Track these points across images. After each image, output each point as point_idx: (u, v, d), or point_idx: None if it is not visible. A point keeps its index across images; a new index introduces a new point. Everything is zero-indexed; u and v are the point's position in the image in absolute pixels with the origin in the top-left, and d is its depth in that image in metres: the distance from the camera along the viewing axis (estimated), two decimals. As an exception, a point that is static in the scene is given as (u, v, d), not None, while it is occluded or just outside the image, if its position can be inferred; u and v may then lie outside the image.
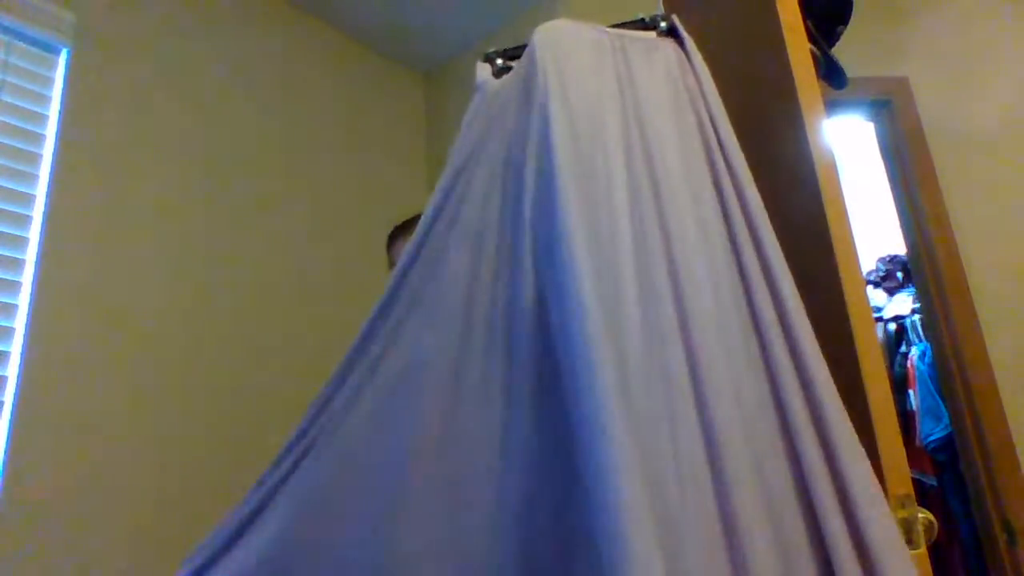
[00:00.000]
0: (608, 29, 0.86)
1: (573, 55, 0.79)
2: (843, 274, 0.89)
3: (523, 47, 0.86)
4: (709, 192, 0.77)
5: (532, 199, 0.70)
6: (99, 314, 1.54)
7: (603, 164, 0.72)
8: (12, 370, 1.40)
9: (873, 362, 0.86)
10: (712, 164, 0.78)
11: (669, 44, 0.86)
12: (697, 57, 0.85)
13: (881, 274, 2.90)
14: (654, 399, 0.61)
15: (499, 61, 0.87)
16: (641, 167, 0.74)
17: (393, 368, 0.73)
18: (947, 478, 2.35)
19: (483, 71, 0.87)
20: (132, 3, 1.79)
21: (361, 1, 2.24)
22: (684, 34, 0.86)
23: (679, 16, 1.49)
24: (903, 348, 2.66)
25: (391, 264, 1.31)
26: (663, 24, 0.87)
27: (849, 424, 0.69)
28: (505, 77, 0.85)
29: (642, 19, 0.89)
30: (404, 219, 1.31)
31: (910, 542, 0.77)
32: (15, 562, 1.31)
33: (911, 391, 2.52)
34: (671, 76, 0.82)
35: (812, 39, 1.28)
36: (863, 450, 0.67)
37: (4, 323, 1.42)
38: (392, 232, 1.32)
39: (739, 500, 0.60)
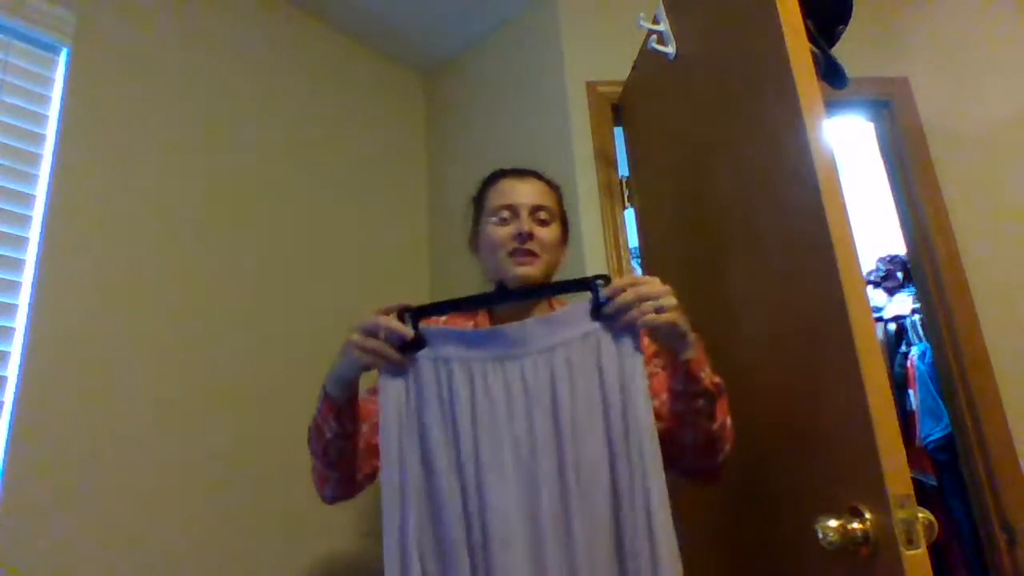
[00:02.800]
0: (532, 335, 0.96)
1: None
2: (843, 274, 0.89)
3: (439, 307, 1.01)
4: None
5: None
6: (100, 314, 1.54)
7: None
8: (12, 370, 1.40)
9: (873, 362, 0.86)
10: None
11: (599, 335, 0.94)
12: (627, 345, 0.93)
13: (881, 274, 2.90)
14: None
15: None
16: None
17: None
18: (947, 478, 2.35)
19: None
20: (132, 3, 1.78)
21: (361, 1, 2.24)
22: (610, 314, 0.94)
23: (679, 17, 1.50)
24: (903, 348, 2.66)
25: (476, 207, 1.27)
26: (603, 297, 0.94)
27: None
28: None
29: (582, 281, 0.98)
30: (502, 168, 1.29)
31: (910, 542, 0.77)
32: (15, 562, 1.31)
33: (911, 391, 2.52)
34: (597, 383, 0.93)
35: (812, 39, 1.28)
36: None
37: (4, 323, 1.42)
38: (489, 177, 1.28)
39: None
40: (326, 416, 1.03)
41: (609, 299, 0.93)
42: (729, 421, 1.05)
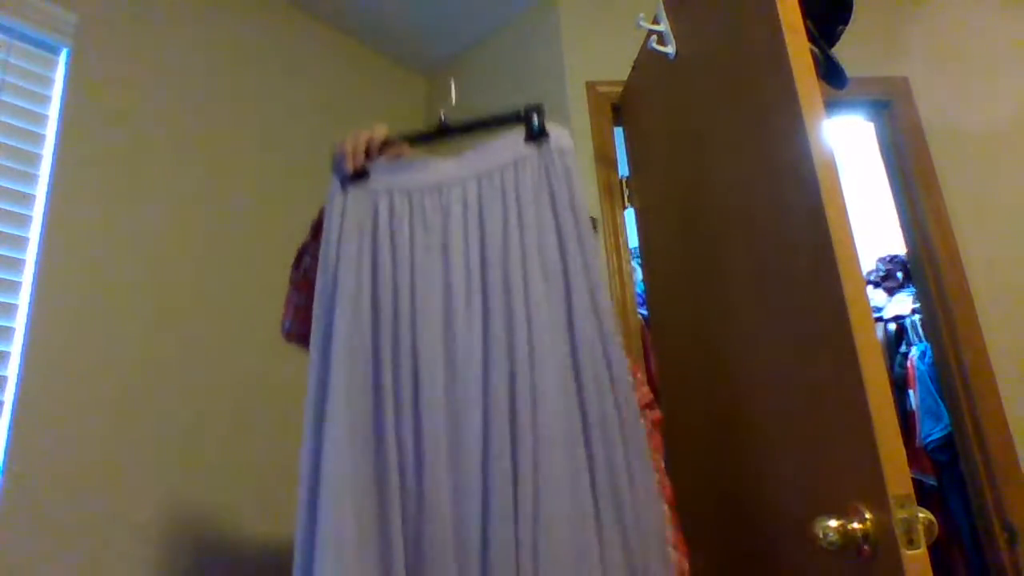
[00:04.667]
0: (469, 163, 1.02)
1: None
2: (843, 274, 0.89)
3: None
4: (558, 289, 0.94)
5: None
6: (99, 314, 1.54)
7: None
8: (12, 370, 1.40)
9: (873, 362, 0.86)
10: (565, 272, 0.94)
11: (532, 158, 0.99)
12: (558, 165, 0.98)
13: (881, 274, 2.90)
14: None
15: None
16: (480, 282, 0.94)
17: None
18: (947, 478, 2.35)
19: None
20: (132, 3, 1.78)
21: (362, 1, 2.24)
22: (552, 142, 1.00)
23: (679, 17, 1.50)
24: (903, 348, 2.66)
25: None
26: (535, 123, 1.00)
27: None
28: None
29: (516, 114, 1.04)
30: None
31: (910, 542, 0.77)
32: (15, 562, 1.31)
33: (911, 391, 2.52)
34: (532, 203, 0.97)
35: (812, 39, 1.28)
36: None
37: (4, 323, 1.42)
38: None
39: None
40: (309, 230, 1.09)
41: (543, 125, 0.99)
42: None
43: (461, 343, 0.89)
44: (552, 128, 1.01)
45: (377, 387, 0.90)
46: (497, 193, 0.97)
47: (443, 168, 1.01)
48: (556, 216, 0.94)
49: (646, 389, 1.20)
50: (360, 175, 1.02)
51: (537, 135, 0.99)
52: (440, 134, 1.10)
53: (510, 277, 0.91)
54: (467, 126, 1.13)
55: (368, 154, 1.03)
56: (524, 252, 0.92)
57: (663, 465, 1.10)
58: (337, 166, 1.04)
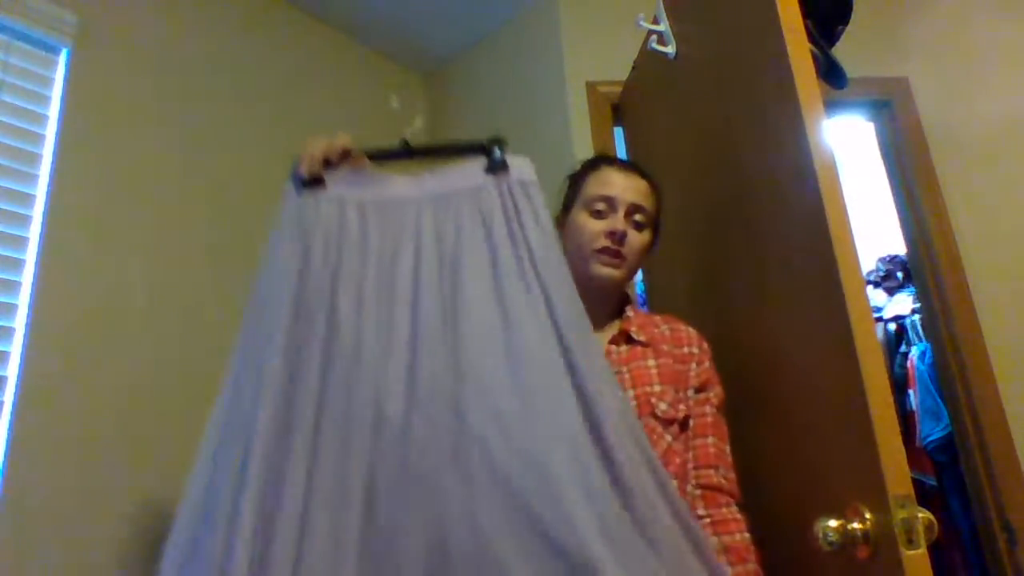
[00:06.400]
0: (427, 184, 1.01)
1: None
2: (843, 274, 0.89)
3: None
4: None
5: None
6: (99, 314, 1.54)
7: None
8: (12, 370, 1.40)
9: (873, 362, 0.86)
10: (528, 290, 0.90)
11: (490, 189, 0.98)
12: (522, 199, 0.96)
13: (881, 274, 2.90)
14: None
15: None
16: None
17: None
18: (947, 478, 2.35)
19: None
20: (132, 3, 1.78)
21: (361, 1, 2.24)
22: (512, 174, 0.98)
23: (679, 17, 1.50)
24: (903, 348, 2.66)
25: (570, 190, 1.23)
26: (496, 155, 0.99)
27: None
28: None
29: (480, 144, 1.02)
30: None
31: (910, 542, 0.77)
32: (15, 563, 1.31)
33: (911, 391, 2.52)
34: (483, 229, 0.95)
35: (812, 39, 1.28)
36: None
37: (4, 323, 1.42)
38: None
39: None
40: None
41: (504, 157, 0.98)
42: None
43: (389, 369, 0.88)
44: (513, 160, 1.00)
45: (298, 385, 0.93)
46: (451, 216, 0.96)
47: (400, 186, 1.01)
48: (523, 236, 0.93)
49: (707, 366, 1.15)
50: (316, 182, 1.03)
51: (497, 166, 0.98)
52: (402, 154, 1.10)
53: (458, 297, 0.90)
54: (429, 150, 1.14)
55: (327, 162, 1.03)
56: (472, 274, 0.91)
57: (728, 457, 1.10)
58: (294, 170, 1.05)
